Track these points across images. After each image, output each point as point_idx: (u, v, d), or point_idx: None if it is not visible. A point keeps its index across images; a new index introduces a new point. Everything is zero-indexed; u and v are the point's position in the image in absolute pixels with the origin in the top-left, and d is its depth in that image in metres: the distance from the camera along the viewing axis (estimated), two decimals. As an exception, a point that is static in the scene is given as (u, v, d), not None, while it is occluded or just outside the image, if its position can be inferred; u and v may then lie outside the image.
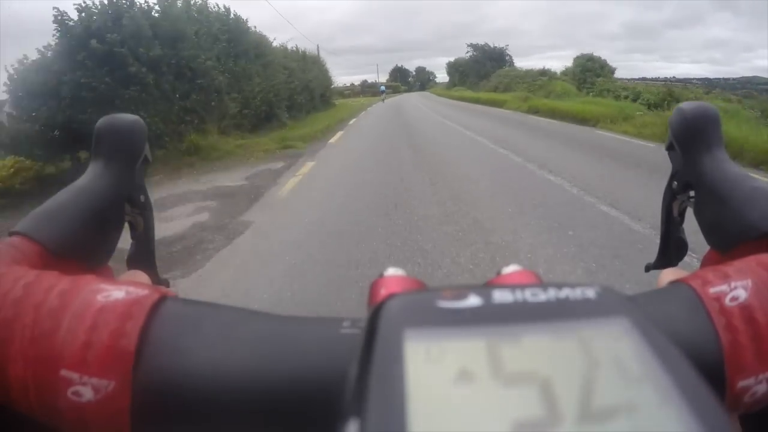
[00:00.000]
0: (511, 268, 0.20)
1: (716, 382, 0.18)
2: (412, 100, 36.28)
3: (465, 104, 23.84)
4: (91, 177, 0.27)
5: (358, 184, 5.19)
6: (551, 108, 13.70)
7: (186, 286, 2.74)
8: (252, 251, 3.27)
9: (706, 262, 0.29)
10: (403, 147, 8.09)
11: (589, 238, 3.06)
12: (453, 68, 53.13)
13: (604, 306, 0.14)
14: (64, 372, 0.17)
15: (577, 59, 23.30)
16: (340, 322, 0.19)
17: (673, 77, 22.71)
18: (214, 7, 11.38)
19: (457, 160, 6.62)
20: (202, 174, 6.62)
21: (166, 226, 3.94)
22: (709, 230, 0.28)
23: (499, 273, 0.20)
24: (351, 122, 14.85)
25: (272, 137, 9.86)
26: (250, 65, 12.48)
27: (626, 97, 16.42)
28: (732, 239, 0.26)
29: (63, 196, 0.26)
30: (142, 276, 0.27)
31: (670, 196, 0.33)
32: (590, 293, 0.14)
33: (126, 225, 0.30)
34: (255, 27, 14.36)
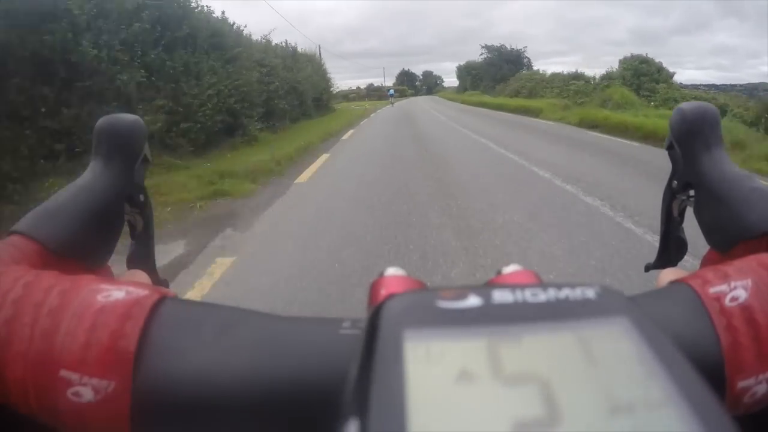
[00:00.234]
0: (511, 268, 0.20)
1: (716, 382, 0.18)
2: (422, 104, 32.76)
3: (486, 111, 20.13)
4: (91, 176, 0.27)
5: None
6: (619, 123, 9.86)
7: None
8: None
9: (705, 262, 0.29)
10: (424, 196, 4.23)
11: None
12: (464, 71, 49.33)
13: (604, 306, 0.14)
14: (63, 372, 0.17)
15: (625, 61, 19.07)
16: (339, 323, 0.19)
17: (680, 84, 20.87)
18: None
19: (538, 234, 3.23)
20: None
21: None
22: (708, 230, 0.28)
23: (499, 273, 0.20)
24: (344, 137, 10.98)
25: (211, 168, 6.06)
26: (195, 58, 8.71)
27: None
28: (732, 239, 0.26)
29: (63, 195, 0.26)
30: (142, 276, 0.27)
31: (670, 195, 0.33)
32: (590, 293, 0.14)
33: (126, 225, 0.30)
34: (223, 14, 10.68)
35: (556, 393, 0.11)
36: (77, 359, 0.17)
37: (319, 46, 47.21)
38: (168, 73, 7.68)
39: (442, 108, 25.32)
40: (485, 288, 0.15)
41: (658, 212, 0.35)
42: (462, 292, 0.14)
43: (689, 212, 0.32)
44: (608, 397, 0.11)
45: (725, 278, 0.19)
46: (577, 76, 23.03)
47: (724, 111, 12.27)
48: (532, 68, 37.30)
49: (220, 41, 10.30)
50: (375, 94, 73.76)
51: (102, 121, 0.29)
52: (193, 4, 9.26)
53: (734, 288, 0.19)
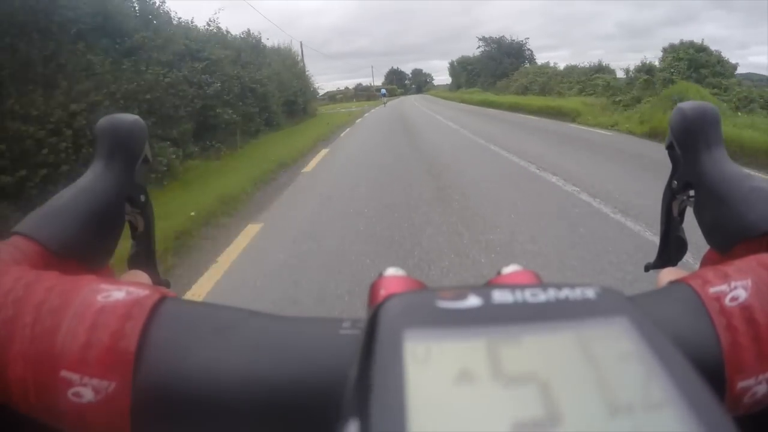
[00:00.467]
0: (511, 268, 0.20)
1: (716, 382, 0.18)
2: (416, 104, 29.27)
3: (498, 113, 16.39)
4: (91, 177, 0.27)
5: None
6: (731, 140, 6.14)
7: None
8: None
9: (705, 262, 0.29)
10: None
11: None
12: (459, 68, 45.64)
13: (603, 306, 0.14)
14: (64, 373, 0.17)
15: (673, 50, 14.24)
16: (339, 323, 0.19)
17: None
18: None
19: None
20: None
21: None
22: (708, 230, 0.28)
23: (499, 273, 0.20)
24: (309, 165, 6.93)
25: None
26: (51, 48, 4.94)
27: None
28: (731, 238, 0.26)
29: (63, 196, 0.26)
30: (142, 276, 0.27)
31: (670, 195, 0.33)
32: (590, 293, 0.14)
33: (126, 225, 0.30)
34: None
35: (556, 393, 0.11)
36: (78, 359, 0.17)
37: (301, 42, 43.38)
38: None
39: (440, 108, 21.72)
40: (485, 288, 0.15)
41: None
42: (462, 293, 0.14)
43: (689, 212, 0.32)
44: (608, 397, 0.11)
45: (725, 278, 0.19)
46: (601, 69, 19.43)
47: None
48: (534, 62, 33.76)
49: (113, 24, 6.54)
50: (363, 94, 70.01)
51: (102, 121, 0.29)
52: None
53: (734, 288, 0.19)
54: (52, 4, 5.27)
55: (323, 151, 8.48)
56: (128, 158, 0.29)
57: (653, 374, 0.12)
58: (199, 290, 2.67)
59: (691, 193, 0.31)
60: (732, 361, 0.18)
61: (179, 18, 9.58)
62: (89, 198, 0.26)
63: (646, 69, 15.77)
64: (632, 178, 4.68)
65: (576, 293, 0.14)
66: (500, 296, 0.14)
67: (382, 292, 0.19)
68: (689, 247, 0.34)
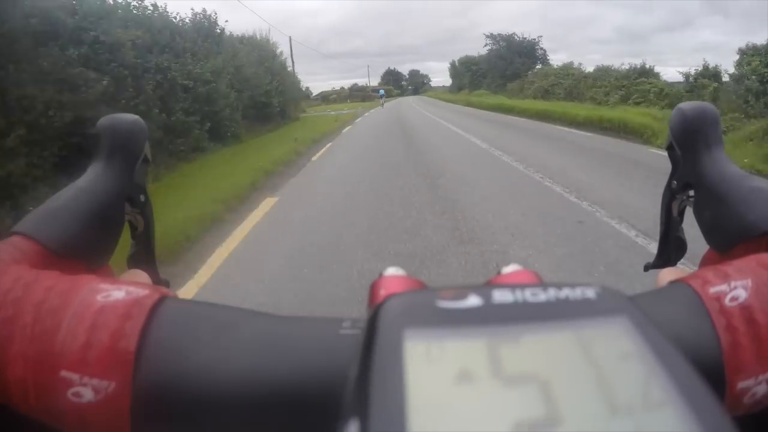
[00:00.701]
0: (511, 268, 0.20)
1: (716, 382, 0.18)
2: (416, 107, 25.77)
3: (522, 122, 12.71)
4: (91, 177, 0.27)
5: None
6: None
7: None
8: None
9: (705, 262, 0.29)
10: None
11: None
12: (462, 68, 42.06)
13: (603, 306, 0.14)
14: (64, 373, 0.17)
15: (755, 54, 10.59)
16: (339, 323, 0.19)
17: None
18: None
19: None
20: None
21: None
22: (708, 230, 0.28)
23: (499, 273, 0.20)
24: (231, 237, 3.53)
25: None
26: None
27: None
28: (731, 239, 0.26)
29: (63, 195, 0.26)
30: (142, 275, 0.27)
31: (670, 195, 0.33)
32: (590, 293, 0.14)
33: (126, 225, 0.30)
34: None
35: (556, 393, 0.11)
36: (77, 359, 0.17)
37: (290, 38, 39.84)
38: None
39: (448, 114, 17.97)
40: (485, 288, 0.14)
41: None
42: (462, 292, 0.14)
43: (689, 212, 0.32)
44: (608, 397, 0.11)
45: (725, 278, 0.19)
46: (645, 72, 15.96)
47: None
48: (547, 62, 30.38)
49: None
50: (359, 94, 66.44)
51: (102, 121, 0.28)
52: None
53: (734, 288, 0.19)
54: None
55: (257, 214, 4.25)
56: (128, 158, 0.28)
57: (653, 374, 0.12)
58: None
59: (691, 193, 0.31)
60: (732, 361, 0.18)
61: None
62: (89, 198, 0.26)
63: (710, 75, 12.20)
64: None
65: (576, 293, 0.14)
66: (500, 296, 0.14)
67: (382, 292, 0.19)
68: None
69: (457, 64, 51.95)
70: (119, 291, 0.18)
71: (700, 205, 0.29)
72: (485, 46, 33.11)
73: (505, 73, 29.80)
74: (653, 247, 1.57)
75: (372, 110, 26.45)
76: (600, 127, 9.83)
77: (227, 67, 10.64)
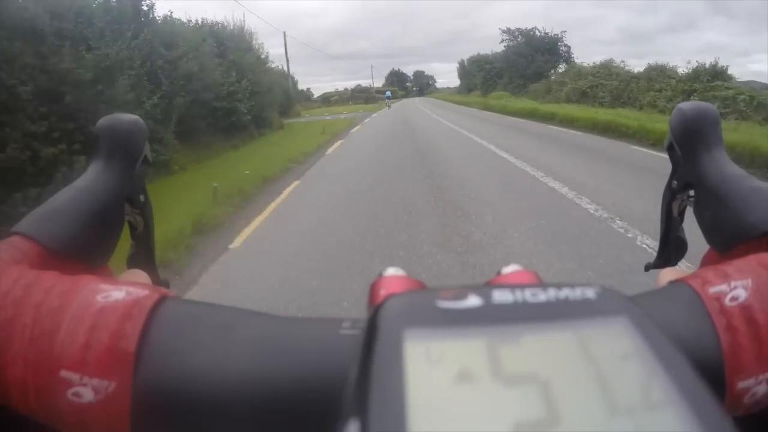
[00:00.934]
0: (511, 268, 0.20)
1: (716, 382, 0.18)
2: (423, 108, 22.12)
3: (591, 143, 8.84)
4: (91, 177, 0.27)
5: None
6: None
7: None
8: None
9: (705, 262, 0.29)
10: None
11: None
12: (473, 67, 38.25)
13: (603, 306, 0.14)
14: (64, 373, 0.17)
15: None
16: (339, 323, 0.19)
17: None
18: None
19: None
20: None
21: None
22: (708, 230, 0.28)
23: (499, 273, 0.20)
24: None
25: None
26: None
27: None
28: (731, 239, 0.26)
29: (63, 196, 0.26)
30: (142, 275, 0.27)
31: (670, 195, 0.33)
32: (590, 293, 0.14)
33: (126, 225, 0.30)
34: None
35: (556, 393, 0.11)
36: (77, 360, 0.17)
37: (284, 33, 36.32)
38: None
39: (468, 122, 14.01)
40: (485, 288, 0.14)
41: None
42: (462, 292, 0.14)
43: (689, 212, 0.32)
44: (608, 397, 0.11)
45: (725, 278, 0.19)
46: (717, 74, 12.38)
47: None
48: (572, 60, 26.71)
49: None
50: (361, 96, 62.90)
51: (102, 121, 0.29)
52: None
53: (734, 288, 0.19)
54: None
55: None
56: (128, 158, 0.28)
57: (653, 374, 0.12)
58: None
59: (691, 193, 0.31)
60: (732, 361, 0.18)
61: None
62: (89, 198, 0.26)
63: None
64: None
65: (576, 293, 0.14)
66: (500, 296, 0.14)
67: (382, 292, 0.19)
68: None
69: (466, 63, 48.24)
70: (119, 291, 0.18)
71: (701, 205, 0.29)
72: (501, 42, 29.29)
73: (526, 72, 26.12)
74: None
75: (375, 114, 22.80)
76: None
77: (146, 55, 7.00)
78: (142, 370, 0.17)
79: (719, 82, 12.12)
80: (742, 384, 0.18)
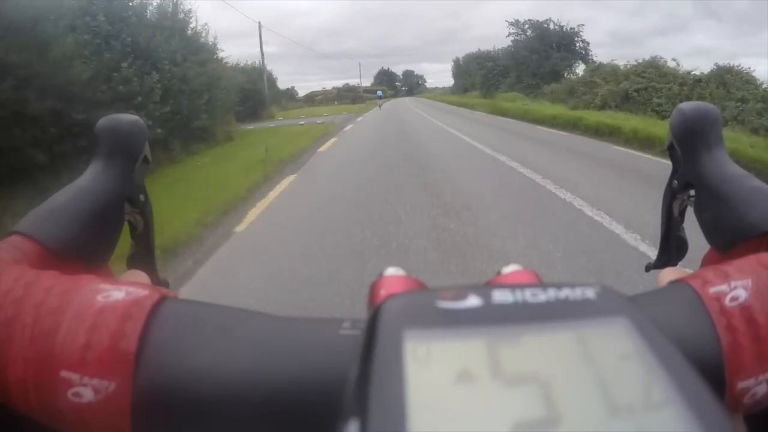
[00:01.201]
0: (510, 268, 0.20)
1: (716, 382, 0.18)
2: (422, 112, 17.36)
3: None
4: (91, 177, 0.27)
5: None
6: None
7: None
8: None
9: (706, 262, 0.29)
10: None
11: None
12: (473, 64, 34.17)
13: (603, 306, 0.14)
14: (64, 373, 0.17)
15: None
16: (339, 323, 0.19)
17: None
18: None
19: None
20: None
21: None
22: (709, 230, 0.28)
23: (498, 273, 0.20)
24: None
25: None
26: None
27: None
28: (732, 238, 0.26)
29: (63, 195, 0.26)
30: (142, 276, 0.27)
31: (671, 195, 0.33)
32: (590, 293, 0.14)
33: (126, 225, 0.30)
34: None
35: (556, 393, 0.11)
36: (77, 360, 0.17)
37: (259, 23, 32.06)
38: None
39: (493, 137, 9.60)
40: (485, 288, 0.15)
41: None
42: (462, 292, 0.14)
43: (690, 212, 0.32)
44: (608, 397, 0.11)
45: (725, 278, 0.19)
46: None
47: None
48: (590, 59, 22.99)
49: None
50: (348, 95, 58.76)
51: (102, 121, 0.29)
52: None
53: (734, 288, 0.19)
54: None
55: None
56: (128, 158, 0.28)
57: (653, 374, 0.12)
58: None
59: (692, 192, 0.31)
60: (732, 362, 0.18)
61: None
62: (89, 198, 0.26)
63: None
64: None
65: (576, 293, 0.14)
66: (500, 296, 0.14)
67: (382, 292, 0.19)
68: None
69: (461, 61, 44.40)
70: (119, 291, 0.18)
71: (701, 204, 0.29)
72: (508, 36, 25.30)
73: (539, 70, 22.29)
74: None
75: (360, 118, 18.72)
76: None
77: None
78: (143, 370, 0.17)
79: None
80: (742, 384, 0.18)
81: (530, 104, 16.43)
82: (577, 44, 23.68)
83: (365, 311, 0.17)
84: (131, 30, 7.77)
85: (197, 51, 10.25)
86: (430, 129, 12.19)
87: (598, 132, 9.16)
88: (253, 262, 2.98)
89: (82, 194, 0.26)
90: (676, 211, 0.33)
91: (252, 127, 16.50)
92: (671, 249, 0.35)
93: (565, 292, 0.14)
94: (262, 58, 29.91)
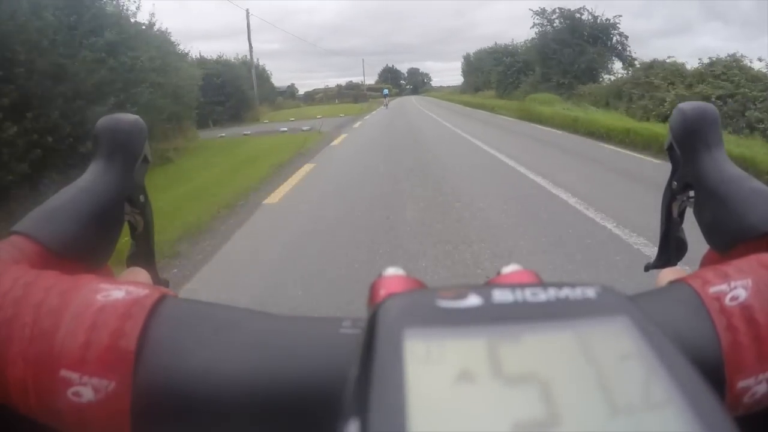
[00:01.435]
0: (510, 268, 0.20)
1: (716, 382, 0.18)
2: (438, 117, 13.94)
3: None
4: (91, 177, 0.27)
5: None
6: None
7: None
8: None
9: (705, 262, 0.29)
10: None
11: None
12: (487, 60, 30.56)
13: (604, 305, 0.14)
14: (63, 372, 0.17)
15: None
16: (339, 322, 0.19)
17: None
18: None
19: None
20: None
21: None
22: (708, 230, 0.28)
23: (499, 273, 0.20)
24: None
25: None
26: None
27: None
28: (731, 239, 0.26)
29: (63, 195, 0.26)
30: (142, 275, 0.27)
31: (670, 196, 0.33)
32: (590, 293, 0.14)
33: (126, 225, 0.30)
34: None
35: (556, 393, 0.11)
36: (77, 359, 0.17)
37: (247, 10, 28.74)
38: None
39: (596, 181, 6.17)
40: (485, 287, 0.14)
41: None
42: (462, 292, 0.14)
43: (689, 212, 0.32)
44: (608, 397, 0.11)
45: (725, 278, 0.19)
46: None
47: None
48: (627, 56, 19.54)
49: None
50: (350, 93, 55.39)
51: (102, 121, 0.29)
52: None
53: (734, 288, 0.19)
54: None
55: None
56: (128, 158, 0.28)
57: (653, 374, 0.12)
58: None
59: (691, 193, 0.31)
60: (732, 361, 0.18)
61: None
62: (89, 198, 0.26)
63: None
64: None
65: (576, 293, 0.14)
66: (500, 295, 0.14)
67: (382, 292, 0.18)
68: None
69: (472, 57, 40.96)
70: (119, 290, 0.18)
71: (701, 205, 0.29)
72: (532, 27, 21.79)
73: (571, 67, 18.84)
74: None
75: (358, 124, 15.39)
76: None
77: None
78: (142, 369, 0.17)
79: None
80: (742, 383, 0.18)
81: (573, 109, 13.03)
82: (614, 38, 20.21)
83: (365, 311, 0.17)
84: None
85: (102, 30, 6.84)
86: (456, 145, 8.70)
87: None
88: None
89: (82, 194, 0.26)
90: (675, 212, 0.33)
91: (223, 135, 13.18)
92: (671, 249, 0.35)
93: (566, 292, 0.14)
94: (250, 51, 26.63)
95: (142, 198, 0.30)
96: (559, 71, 19.28)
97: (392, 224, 3.60)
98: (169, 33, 9.86)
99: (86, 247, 0.25)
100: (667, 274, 0.25)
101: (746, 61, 11.20)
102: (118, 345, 0.17)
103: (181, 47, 10.86)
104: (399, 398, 0.11)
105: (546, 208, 3.80)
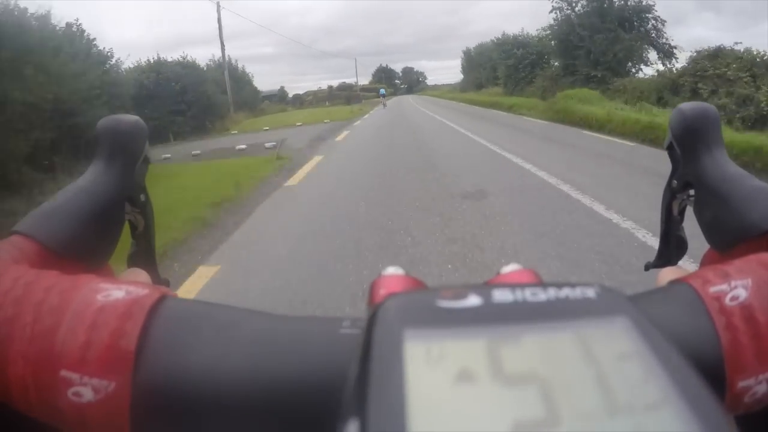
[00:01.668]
0: (510, 268, 0.20)
1: (716, 382, 0.18)
2: (448, 121, 10.42)
3: None
4: (91, 177, 0.28)
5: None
6: None
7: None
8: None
9: (705, 261, 0.29)
10: None
11: None
12: (496, 53, 27.17)
13: (604, 305, 0.14)
14: (64, 372, 0.17)
15: None
16: (339, 322, 0.19)
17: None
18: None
19: None
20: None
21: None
22: (708, 229, 0.28)
23: (498, 272, 0.20)
24: None
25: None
26: None
27: None
28: (732, 238, 0.26)
29: (63, 195, 0.26)
30: (142, 274, 0.27)
31: (670, 195, 0.33)
32: (590, 293, 0.14)
33: (127, 225, 0.31)
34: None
35: (556, 393, 0.11)
36: (77, 359, 0.17)
37: (218, 3, 25.44)
38: None
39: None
40: (485, 287, 0.15)
41: None
42: (462, 292, 0.14)
43: (689, 212, 0.32)
44: (608, 397, 0.11)
45: (725, 277, 0.19)
46: None
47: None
48: (663, 43, 16.36)
49: None
50: (342, 94, 52.19)
51: (103, 121, 0.29)
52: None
53: (734, 287, 0.19)
54: None
55: None
56: (128, 158, 0.29)
57: (653, 374, 0.12)
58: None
59: (691, 192, 0.31)
60: (732, 361, 0.18)
61: None
62: (89, 197, 0.26)
63: None
64: None
65: (576, 293, 0.14)
66: (500, 295, 0.14)
67: (382, 292, 0.19)
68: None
69: (473, 52, 37.78)
70: (119, 290, 0.18)
71: (701, 204, 0.29)
72: (551, 11, 18.45)
73: (603, 57, 15.59)
74: None
75: (349, 131, 12.16)
76: None
77: None
78: (142, 369, 0.17)
79: None
80: (742, 383, 0.18)
81: (628, 110, 9.78)
82: (649, 23, 16.96)
83: (365, 309, 0.17)
84: None
85: None
86: (498, 178, 5.29)
87: None
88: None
89: (83, 194, 0.26)
90: (675, 211, 0.33)
91: (168, 155, 9.92)
92: (671, 248, 0.35)
93: (565, 292, 0.14)
94: (222, 51, 23.37)
95: (142, 197, 0.30)
96: (588, 62, 15.98)
97: None
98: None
99: (86, 246, 0.25)
100: (667, 274, 0.25)
101: None
102: (118, 345, 0.17)
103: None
104: (399, 398, 0.11)
105: None
